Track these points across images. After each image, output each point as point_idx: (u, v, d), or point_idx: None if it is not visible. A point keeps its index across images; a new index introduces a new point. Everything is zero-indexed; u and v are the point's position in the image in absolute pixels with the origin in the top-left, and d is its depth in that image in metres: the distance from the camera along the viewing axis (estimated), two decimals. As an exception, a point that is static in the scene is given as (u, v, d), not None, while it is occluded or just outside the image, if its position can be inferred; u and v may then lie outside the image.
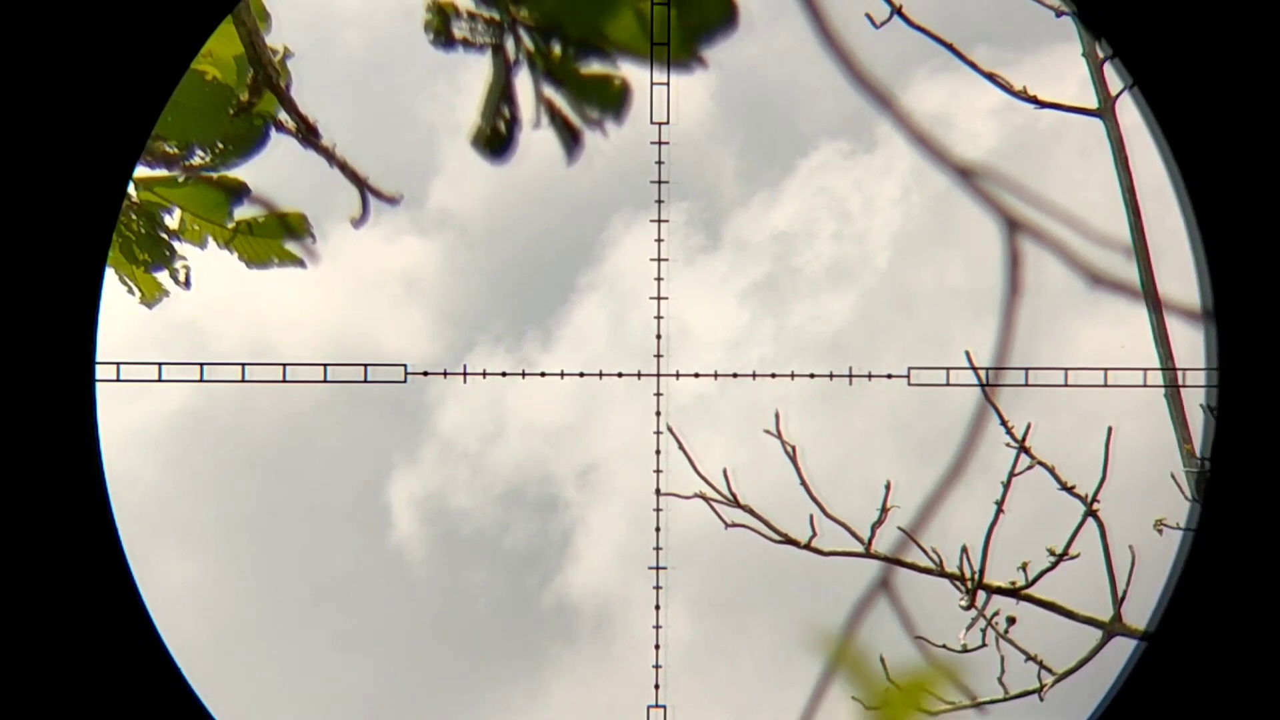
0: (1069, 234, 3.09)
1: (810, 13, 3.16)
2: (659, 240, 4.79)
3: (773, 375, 5.33)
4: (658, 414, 5.03)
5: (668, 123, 4.70)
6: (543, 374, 5.50)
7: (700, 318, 5.37)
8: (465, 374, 5.32)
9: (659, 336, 4.90)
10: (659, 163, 4.72)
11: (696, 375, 5.04)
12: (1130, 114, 6.45)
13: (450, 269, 5.58)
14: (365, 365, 4.61)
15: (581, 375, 5.16)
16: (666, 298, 4.81)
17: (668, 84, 4.70)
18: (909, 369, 5.23)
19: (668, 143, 4.71)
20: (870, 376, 5.29)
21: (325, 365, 4.54)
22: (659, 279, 4.83)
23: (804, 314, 5.61)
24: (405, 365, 4.70)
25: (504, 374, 5.55)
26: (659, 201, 4.76)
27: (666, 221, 4.78)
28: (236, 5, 3.86)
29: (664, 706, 5.23)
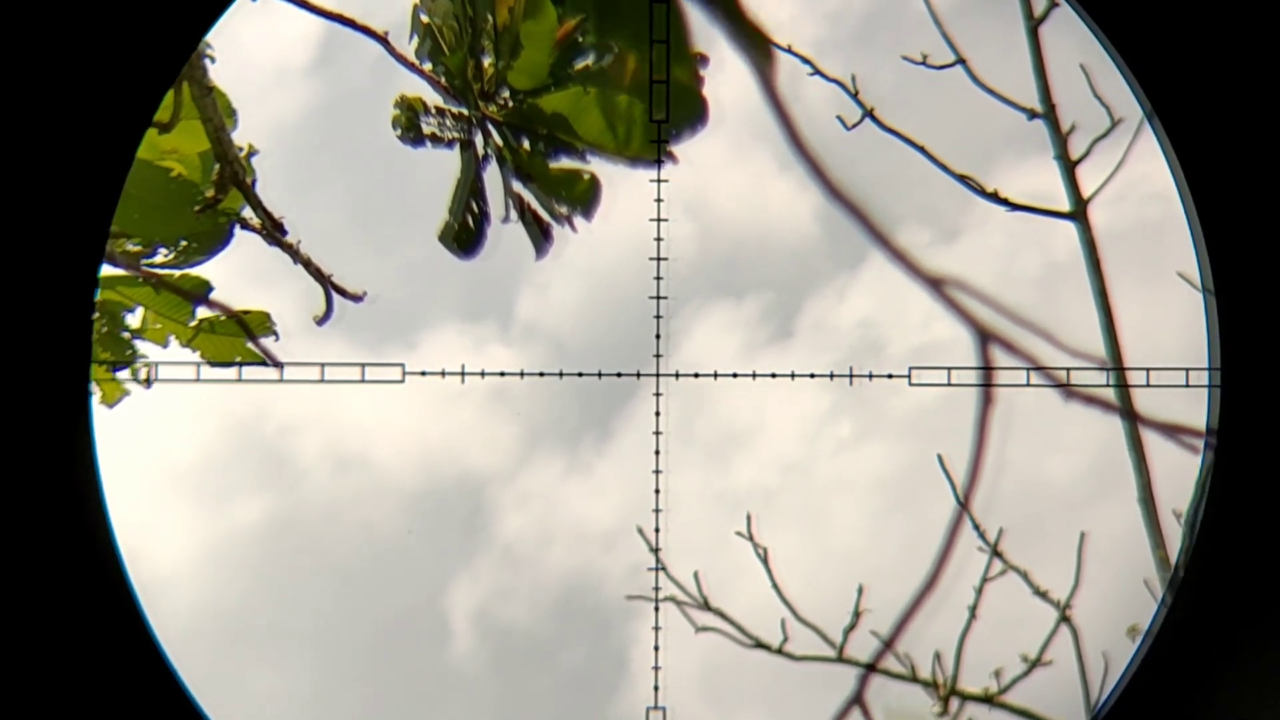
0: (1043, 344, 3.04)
1: (784, 126, 3.13)
2: (658, 238, 4.79)
3: (773, 375, 5.32)
4: (657, 414, 5.04)
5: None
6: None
7: (773, 408, 5.37)
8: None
9: (658, 336, 4.92)
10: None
11: (696, 375, 5.06)
12: (1104, 215, 6.45)
13: (537, 379, 5.60)
14: (363, 365, 4.73)
15: (580, 375, 5.16)
16: (666, 297, 4.84)
17: (659, 181, 4.73)
18: (909, 369, 5.24)
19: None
20: (871, 376, 5.30)
21: (323, 365, 4.66)
22: (658, 279, 4.85)
23: (879, 397, 5.62)
24: (403, 365, 4.78)
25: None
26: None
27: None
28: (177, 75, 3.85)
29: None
